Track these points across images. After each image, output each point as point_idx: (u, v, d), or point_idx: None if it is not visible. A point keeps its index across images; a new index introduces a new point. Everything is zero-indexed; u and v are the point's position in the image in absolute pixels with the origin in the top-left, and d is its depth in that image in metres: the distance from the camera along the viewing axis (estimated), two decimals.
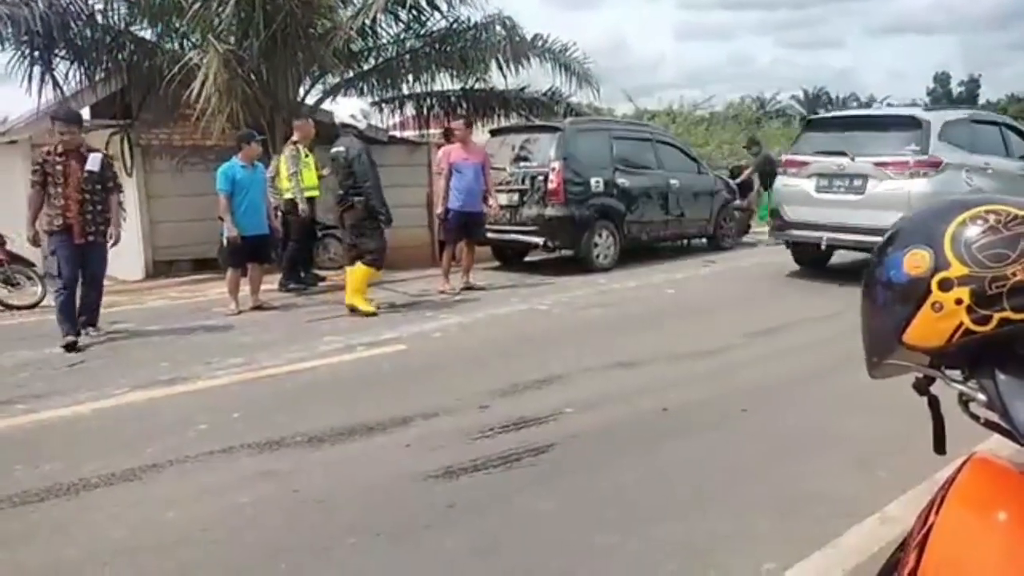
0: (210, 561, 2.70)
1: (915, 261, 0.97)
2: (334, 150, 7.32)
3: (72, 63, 9.12)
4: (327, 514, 3.02)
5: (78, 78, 9.32)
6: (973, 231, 0.94)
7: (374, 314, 6.95)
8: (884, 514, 2.85)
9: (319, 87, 10.92)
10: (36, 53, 8.65)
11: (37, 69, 8.72)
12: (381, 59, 11.06)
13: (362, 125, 7.37)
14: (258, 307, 7.43)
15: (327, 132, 10.67)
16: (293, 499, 3.15)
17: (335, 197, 7.41)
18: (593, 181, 9.34)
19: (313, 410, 4.32)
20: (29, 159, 10.78)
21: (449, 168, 8.17)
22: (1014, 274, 0.91)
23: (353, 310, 7.00)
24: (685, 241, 11.51)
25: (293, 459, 3.59)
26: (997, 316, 0.92)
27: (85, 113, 10.86)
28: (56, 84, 8.97)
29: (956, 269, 0.93)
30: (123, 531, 2.91)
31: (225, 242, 7.31)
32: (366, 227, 7.12)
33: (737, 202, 11.80)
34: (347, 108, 7.35)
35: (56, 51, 8.89)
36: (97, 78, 9.51)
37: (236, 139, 7.52)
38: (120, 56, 9.45)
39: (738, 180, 12.62)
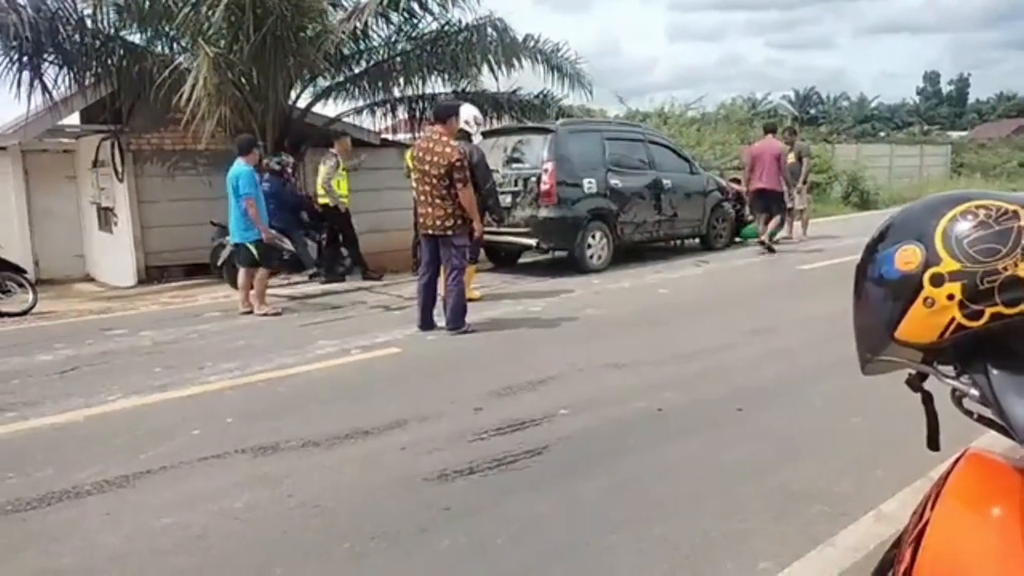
0: (205, 567, 2.69)
1: (906, 257, 0.96)
2: None
3: (61, 68, 9.05)
4: (322, 518, 3.00)
5: (67, 83, 9.25)
6: (964, 226, 0.94)
7: (481, 298, 7.68)
8: (880, 512, 2.86)
9: (310, 90, 10.90)
10: (25, 58, 8.58)
11: (26, 74, 8.65)
12: (372, 62, 11.03)
13: (473, 131, 7.44)
14: (249, 312, 7.41)
15: (317, 134, 10.70)
16: (288, 504, 3.14)
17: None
18: (586, 182, 9.34)
19: (307, 414, 4.31)
20: (20, 165, 10.82)
21: None
22: (1005, 268, 0.91)
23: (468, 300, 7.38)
24: (678, 241, 11.53)
25: (288, 464, 3.57)
26: (989, 311, 0.92)
27: (74, 119, 10.84)
28: (45, 89, 8.90)
29: (947, 264, 0.93)
30: (117, 538, 2.89)
31: (255, 248, 7.28)
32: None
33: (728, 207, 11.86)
34: (463, 114, 7.39)
35: (45, 56, 8.81)
36: (87, 83, 9.44)
37: (246, 143, 7.47)
38: (110, 61, 9.39)
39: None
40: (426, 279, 6.34)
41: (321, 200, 9.29)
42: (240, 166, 7.23)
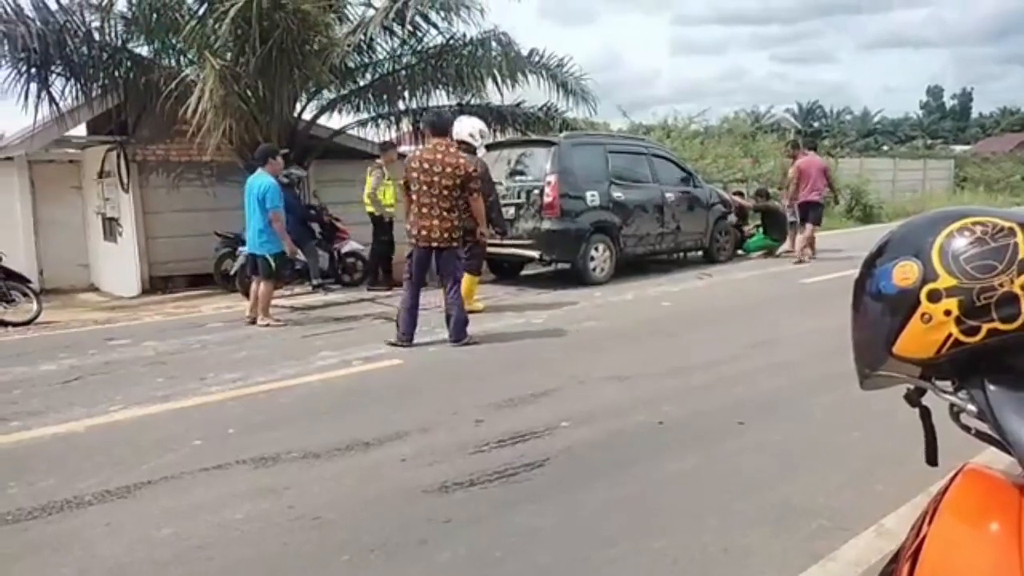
0: None
1: (904, 273, 0.97)
2: None
3: (68, 80, 9.12)
4: (323, 530, 3.00)
5: (75, 94, 9.32)
6: (961, 242, 0.95)
7: (483, 309, 7.72)
8: (881, 527, 2.84)
9: (315, 103, 10.96)
10: (32, 70, 8.65)
11: (33, 86, 8.71)
12: (377, 75, 11.09)
13: (477, 143, 7.48)
14: (253, 321, 7.42)
15: (323, 147, 10.74)
16: (288, 515, 3.13)
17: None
18: (589, 195, 9.37)
19: (309, 426, 4.31)
20: (26, 176, 10.88)
21: None
22: (1002, 285, 0.91)
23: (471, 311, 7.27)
24: (680, 254, 11.54)
25: (288, 475, 3.57)
26: (986, 327, 0.92)
27: (81, 130, 10.89)
28: (52, 101, 8.97)
29: (944, 280, 0.94)
30: (118, 548, 2.89)
31: (273, 259, 7.29)
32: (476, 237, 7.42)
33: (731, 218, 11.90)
34: (468, 127, 7.46)
35: (52, 68, 8.88)
36: (93, 94, 9.51)
37: (265, 152, 7.53)
38: (117, 73, 9.46)
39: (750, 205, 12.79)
40: (411, 303, 6.22)
41: (368, 209, 9.55)
42: (264, 177, 7.23)
